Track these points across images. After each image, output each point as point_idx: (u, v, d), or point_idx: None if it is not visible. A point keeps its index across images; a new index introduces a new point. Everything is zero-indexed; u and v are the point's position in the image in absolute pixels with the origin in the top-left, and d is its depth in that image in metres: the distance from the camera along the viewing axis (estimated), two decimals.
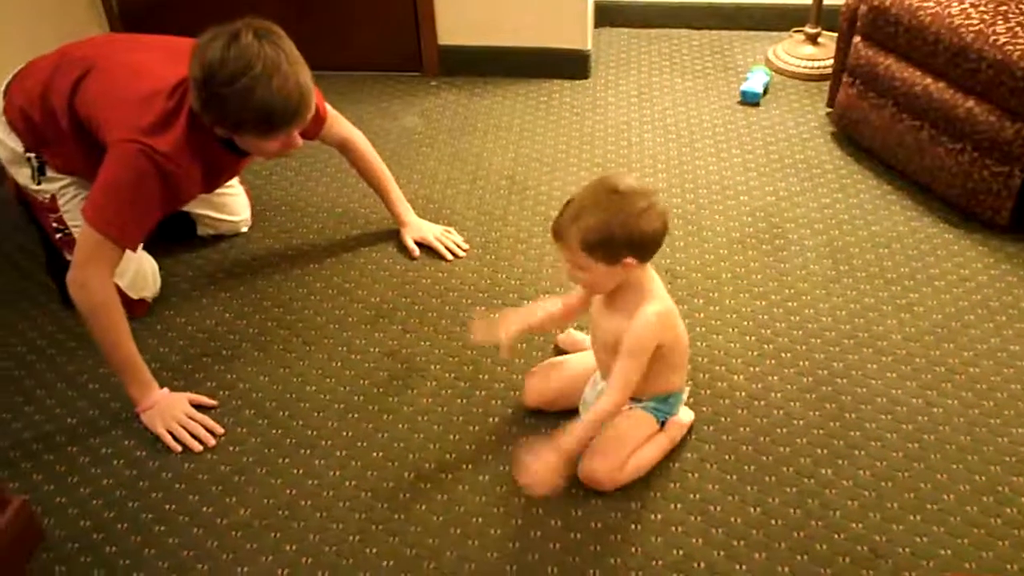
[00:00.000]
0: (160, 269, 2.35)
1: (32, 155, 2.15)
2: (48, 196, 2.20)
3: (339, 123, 2.34)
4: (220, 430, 1.97)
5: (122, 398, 2.02)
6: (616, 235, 1.60)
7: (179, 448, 1.94)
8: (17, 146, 2.16)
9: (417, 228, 2.47)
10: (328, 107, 2.29)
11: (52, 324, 2.27)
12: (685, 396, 1.90)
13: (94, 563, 1.73)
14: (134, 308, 2.23)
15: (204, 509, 1.82)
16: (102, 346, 1.96)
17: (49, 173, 2.17)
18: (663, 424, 1.86)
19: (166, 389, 2.03)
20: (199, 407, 2.02)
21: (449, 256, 2.42)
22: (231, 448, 1.94)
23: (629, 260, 1.63)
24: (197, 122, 1.92)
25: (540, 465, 1.64)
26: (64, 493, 1.86)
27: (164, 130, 1.91)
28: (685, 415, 1.91)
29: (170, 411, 1.98)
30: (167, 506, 1.82)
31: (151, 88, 1.95)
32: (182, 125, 1.93)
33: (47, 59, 2.16)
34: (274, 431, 1.97)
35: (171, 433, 1.96)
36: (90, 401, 2.06)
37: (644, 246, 1.64)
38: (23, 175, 2.20)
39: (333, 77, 3.28)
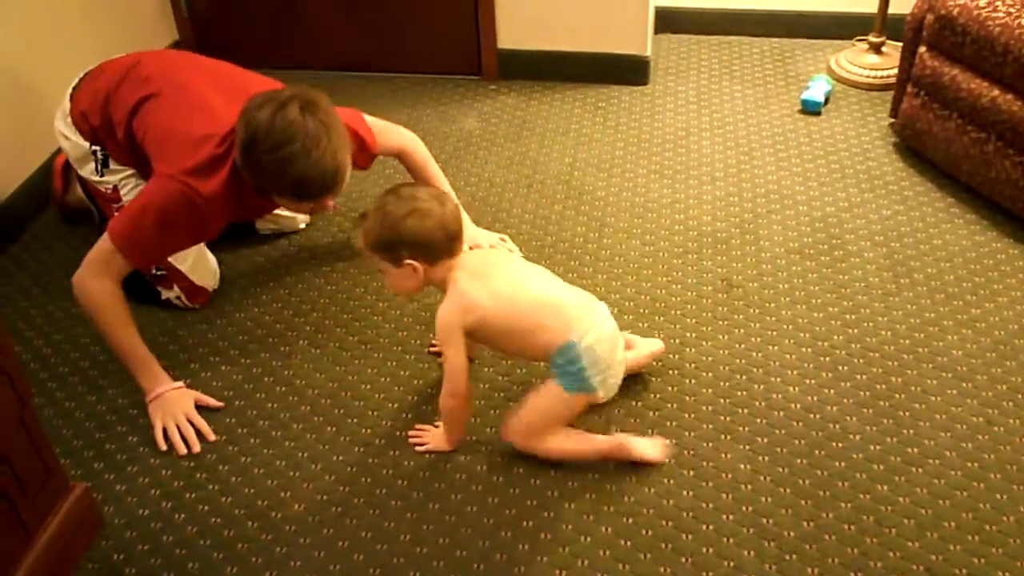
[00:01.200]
0: (220, 264, 2.39)
1: (97, 148, 2.24)
2: (111, 187, 2.28)
3: (390, 135, 2.35)
4: (212, 437, 1.98)
5: None
6: (385, 236, 1.78)
7: (164, 446, 1.96)
8: (82, 142, 2.24)
9: (472, 236, 2.47)
10: (375, 123, 2.30)
11: None
12: (581, 352, 1.75)
13: (151, 552, 1.76)
14: (195, 296, 2.29)
15: (259, 503, 1.84)
16: (105, 336, 2.02)
17: (112, 165, 2.25)
18: (579, 384, 1.78)
19: (181, 383, 2.06)
20: (203, 409, 2.04)
21: None
22: (287, 444, 1.96)
23: (410, 261, 1.78)
24: (238, 173, 2.00)
25: (434, 440, 1.93)
26: (124, 482, 1.90)
27: (209, 174, 1.99)
28: (649, 449, 1.86)
29: (171, 407, 2.00)
30: (223, 498, 1.86)
31: (205, 131, 2.02)
32: (226, 172, 2.01)
33: (117, 65, 2.23)
34: (329, 428, 2.00)
35: (165, 430, 1.98)
36: None
37: (417, 246, 1.77)
38: (88, 170, 2.28)
39: (393, 79, 3.33)
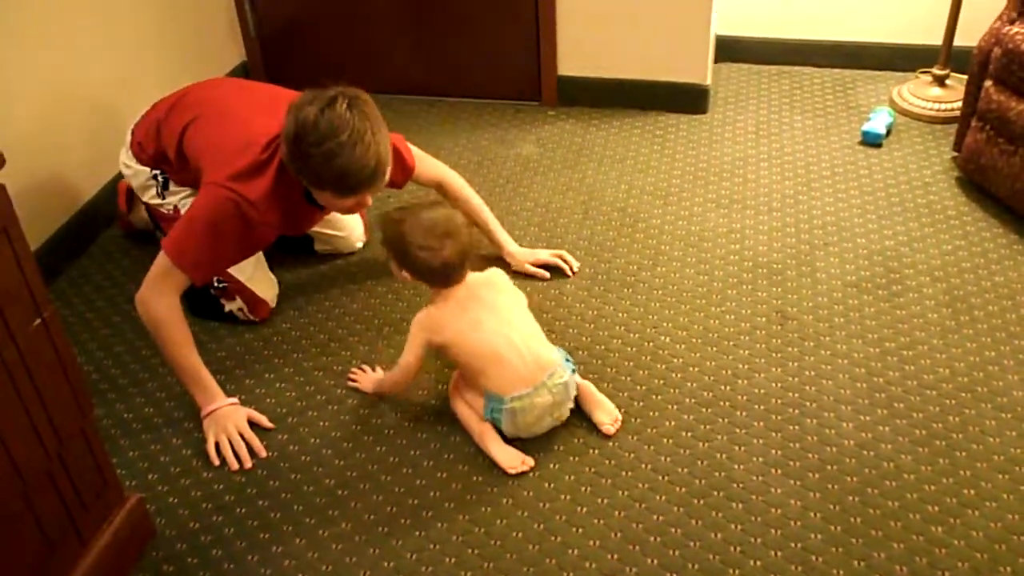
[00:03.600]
0: (279, 282, 2.43)
1: (157, 172, 2.33)
2: (172, 208, 2.36)
3: (429, 165, 2.40)
4: (263, 453, 2.01)
5: None
6: (396, 249, 1.98)
7: (217, 460, 1.99)
8: (143, 169, 2.35)
9: (529, 254, 2.50)
10: (418, 152, 2.37)
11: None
12: (504, 408, 1.91)
13: (200, 564, 1.79)
14: (256, 308, 2.35)
15: (307, 520, 1.86)
16: (164, 355, 2.07)
17: (172, 187, 2.34)
18: (490, 418, 1.95)
19: (235, 399, 2.09)
20: (256, 427, 2.07)
21: (570, 272, 2.48)
22: (337, 462, 1.99)
23: (404, 274, 2.00)
24: (284, 175, 2.07)
25: (363, 381, 2.15)
26: (176, 494, 1.94)
27: (253, 178, 2.06)
28: (502, 455, 1.94)
29: (224, 422, 2.04)
30: (272, 514, 1.88)
31: (247, 139, 2.09)
32: (270, 176, 2.07)
33: (169, 98, 2.35)
34: (379, 448, 2.01)
35: (218, 444, 2.02)
36: None
37: (417, 271, 1.97)
38: (150, 195, 2.38)
39: (454, 104, 3.36)
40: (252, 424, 2.06)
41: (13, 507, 1.49)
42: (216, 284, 2.30)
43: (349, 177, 1.97)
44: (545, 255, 2.50)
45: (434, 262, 1.93)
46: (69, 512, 1.62)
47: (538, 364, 1.94)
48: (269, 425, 2.08)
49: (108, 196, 2.76)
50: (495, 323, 1.96)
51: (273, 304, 2.40)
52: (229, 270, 2.28)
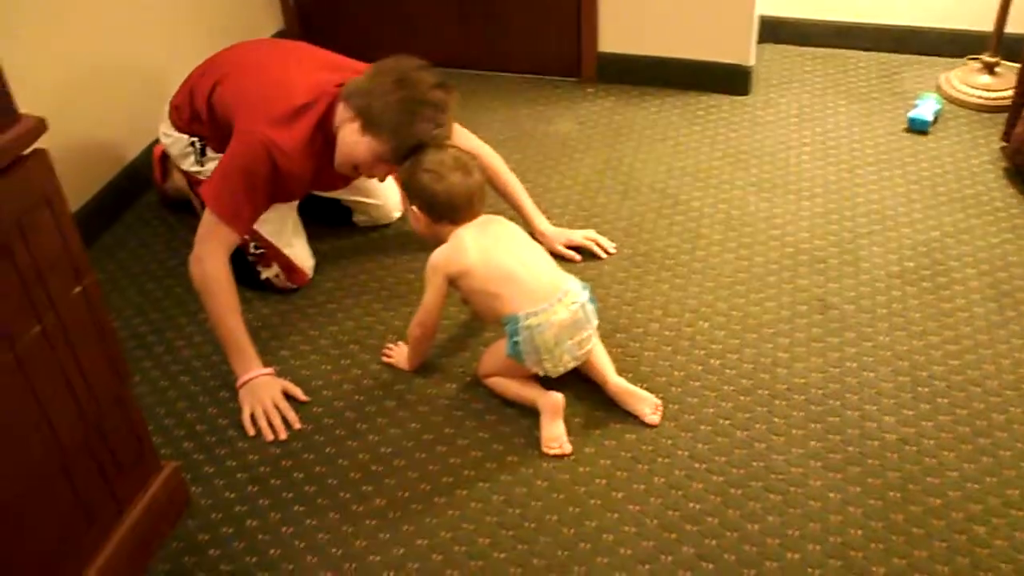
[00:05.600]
0: (315, 253, 2.42)
1: (195, 139, 2.32)
2: (210, 175, 2.31)
3: (465, 138, 2.37)
4: (297, 425, 2.00)
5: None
6: (404, 177, 2.04)
7: (252, 431, 1.99)
8: (180, 136, 2.34)
9: (562, 234, 2.47)
10: (459, 128, 2.33)
11: None
12: (520, 328, 1.91)
13: (235, 535, 1.79)
14: (293, 275, 2.36)
15: (342, 494, 1.86)
16: (210, 318, 2.08)
17: (209, 154, 2.32)
18: (513, 352, 1.93)
19: (271, 370, 2.08)
20: (291, 399, 2.06)
21: (603, 254, 2.45)
22: (371, 437, 1.98)
23: (414, 208, 2.04)
24: (321, 131, 2.09)
25: (398, 357, 2.15)
26: (212, 463, 1.93)
27: (287, 127, 2.07)
28: (551, 440, 1.93)
29: (260, 393, 2.03)
30: (307, 487, 1.87)
31: (282, 89, 2.12)
32: (305, 127, 2.08)
33: (202, 64, 2.34)
34: (413, 424, 2.00)
35: (253, 415, 2.02)
36: None
37: (423, 200, 2.00)
38: (188, 163, 2.37)
39: (491, 77, 3.33)
40: (288, 397, 2.06)
41: (52, 475, 1.49)
42: (253, 250, 2.29)
43: (410, 141, 2.02)
44: (578, 236, 2.46)
45: (437, 187, 1.97)
46: (106, 480, 1.62)
47: (552, 283, 1.96)
48: (304, 398, 2.07)
49: (144, 163, 2.75)
50: (504, 248, 1.99)
51: (311, 274, 2.39)
52: (268, 236, 2.27)
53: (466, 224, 2.01)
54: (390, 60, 2.09)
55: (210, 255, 2.05)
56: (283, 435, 1.98)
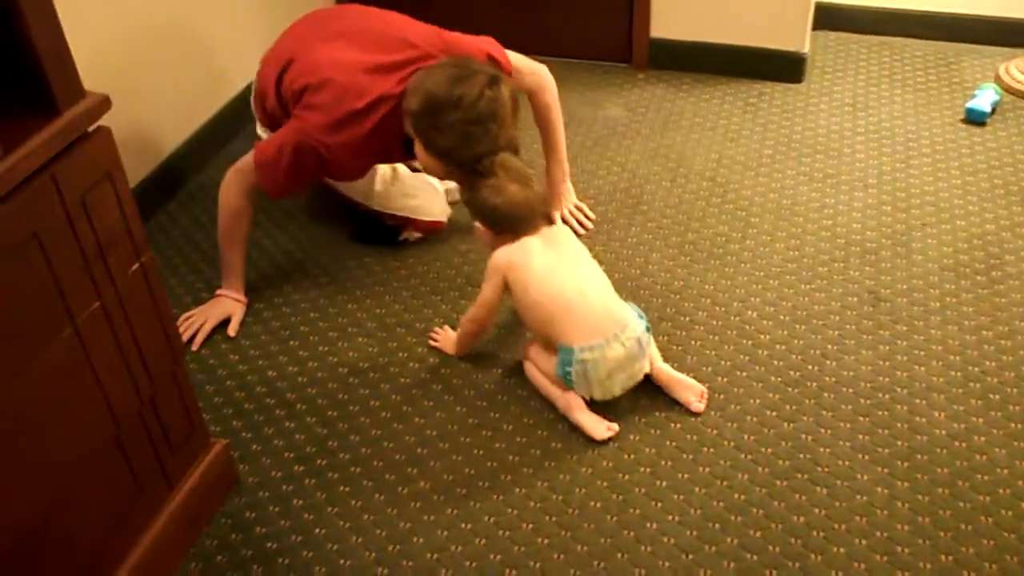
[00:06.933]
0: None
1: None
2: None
3: (527, 72, 2.38)
4: (195, 347, 2.18)
5: (328, 367, 2.13)
6: (467, 200, 2.03)
7: (179, 327, 2.17)
8: (264, 134, 2.37)
9: (569, 200, 2.54)
10: (515, 58, 2.36)
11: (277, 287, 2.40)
12: (574, 360, 1.89)
13: (281, 513, 1.81)
14: (432, 230, 2.48)
15: (387, 476, 1.87)
16: (218, 237, 2.26)
17: None
18: (562, 375, 1.92)
19: (242, 297, 2.29)
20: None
21: (581, 230, 2.48)
22: (416, 420, 1.99)
23: (477, 224, 2.04)
24: (381, 131, 2.11)
25: (444, 342, 2.16)
26: (260, 442, 1.96)
27: (343, 130, 2.10)
28: (595, 427, 1.92)
29: (210, 307, 2.26)
30: (353, 468, 1.89)
31: (342, 89, 2.10)
32: (359, 132, 2.10)
33: (266, 54, 2.33)
34: (458, 408, 2.01)
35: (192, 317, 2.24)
36: (289, 358, 2.16)
37: (486, 216, 1.99)
38: None
39: (543, 62, 3.30)
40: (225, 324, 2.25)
41: (107, 448, 1.52)
42: (389, 221, 2.44)
43: (470, 155, 1.99)
44: (571, 204, 2.52)
45: (498, 200, 1.94)
46: (158, 456, 1.65)
47: (609, 316, 1.91)
48: (231, 333, 2.23)
49: (198, 141, 2.78)
50: (566, 271, 1.95)
51: (445, 219, 2.49)
52: (393, 210, 2.42)
53: (531, 235, 1.98)
54: (437, 69, 2.03)
55: (236, 184, 2.19)
56: (185, 340, 2.16)
